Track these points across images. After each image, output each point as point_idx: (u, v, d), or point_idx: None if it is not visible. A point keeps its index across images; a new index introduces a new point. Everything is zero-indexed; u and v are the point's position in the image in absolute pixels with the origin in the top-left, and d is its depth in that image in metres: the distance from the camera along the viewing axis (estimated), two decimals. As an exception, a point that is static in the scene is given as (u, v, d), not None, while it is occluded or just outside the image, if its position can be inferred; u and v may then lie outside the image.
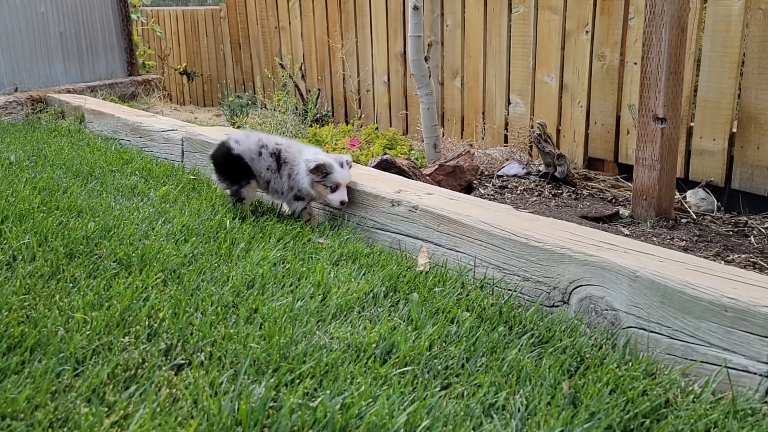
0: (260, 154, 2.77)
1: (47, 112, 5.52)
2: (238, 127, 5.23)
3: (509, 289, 2.12)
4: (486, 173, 4.10)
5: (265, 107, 5.50)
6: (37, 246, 2.21)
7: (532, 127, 4.33)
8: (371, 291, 2.06)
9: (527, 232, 2.13)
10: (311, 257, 2.34)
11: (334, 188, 2.66)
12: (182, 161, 3.80)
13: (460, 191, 3.48)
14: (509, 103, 4.69)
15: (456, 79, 5.09)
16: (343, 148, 4.40)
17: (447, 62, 5.15)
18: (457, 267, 2.28)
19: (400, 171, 3.26)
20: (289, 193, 2.77)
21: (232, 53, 7.86)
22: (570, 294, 1.97)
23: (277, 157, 2.76)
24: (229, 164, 2.81)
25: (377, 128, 5.15)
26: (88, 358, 1.58)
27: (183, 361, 1.61)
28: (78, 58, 6.59)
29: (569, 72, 4.27)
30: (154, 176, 3.42)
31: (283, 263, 2.26)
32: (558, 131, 4.40)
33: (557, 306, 2.01)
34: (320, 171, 2.64)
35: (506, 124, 4.72)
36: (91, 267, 2.09)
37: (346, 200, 2.66)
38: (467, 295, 2.08)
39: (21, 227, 2.37)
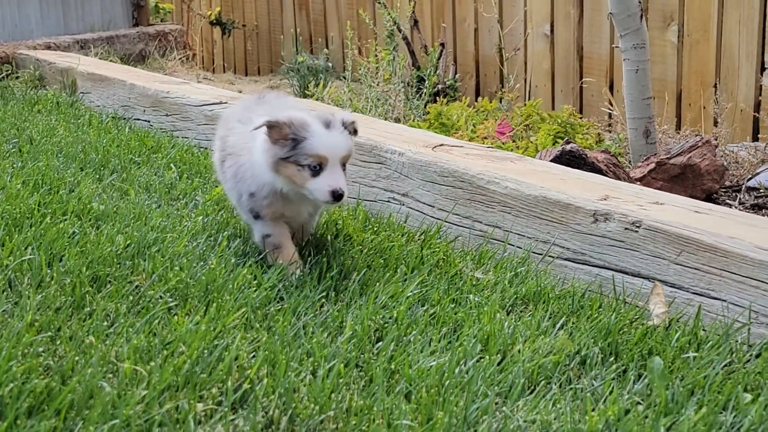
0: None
1: (19, 77, 5.75)
2: (317, 101, 5.30)
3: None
4: (726, 183, 4.02)
5: (344, 77, 5.47)
6: (45, 265, 2.30)
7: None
8: (577, 352, 2.06)
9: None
10: (466, 299, 2.36)
11: (316, 167, 2.34)
12: (238, 151, 3.86)
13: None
14: (764, 69, 4.61)
15: (670, 28, 5.04)
16: (485, 138, 4.41)
17: (654, 0, 5.11)
18: (715, 323, 2.24)
19: (594, 169, 3.24)
20: (240, 201, 2.54)
21: (295, -8, 7.99)
22: None
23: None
24: None
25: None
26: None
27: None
28: (60, -1, 6.88)
29: None
30: (196, 172, 3.52)
31: (423, 305, 2.29)
32: None
33: None
34: (281, 134, 2.34)
35: (758, 104, 4.64)
36: (130, 299, 2.16)
37: (344, 190, 2.33)
38: (743, 367, 2.04)
39: (17, 238, 2.47)
